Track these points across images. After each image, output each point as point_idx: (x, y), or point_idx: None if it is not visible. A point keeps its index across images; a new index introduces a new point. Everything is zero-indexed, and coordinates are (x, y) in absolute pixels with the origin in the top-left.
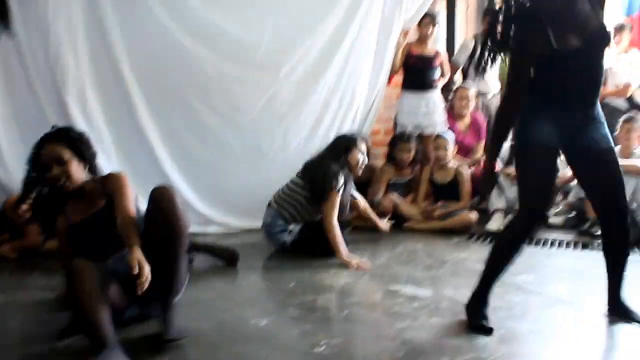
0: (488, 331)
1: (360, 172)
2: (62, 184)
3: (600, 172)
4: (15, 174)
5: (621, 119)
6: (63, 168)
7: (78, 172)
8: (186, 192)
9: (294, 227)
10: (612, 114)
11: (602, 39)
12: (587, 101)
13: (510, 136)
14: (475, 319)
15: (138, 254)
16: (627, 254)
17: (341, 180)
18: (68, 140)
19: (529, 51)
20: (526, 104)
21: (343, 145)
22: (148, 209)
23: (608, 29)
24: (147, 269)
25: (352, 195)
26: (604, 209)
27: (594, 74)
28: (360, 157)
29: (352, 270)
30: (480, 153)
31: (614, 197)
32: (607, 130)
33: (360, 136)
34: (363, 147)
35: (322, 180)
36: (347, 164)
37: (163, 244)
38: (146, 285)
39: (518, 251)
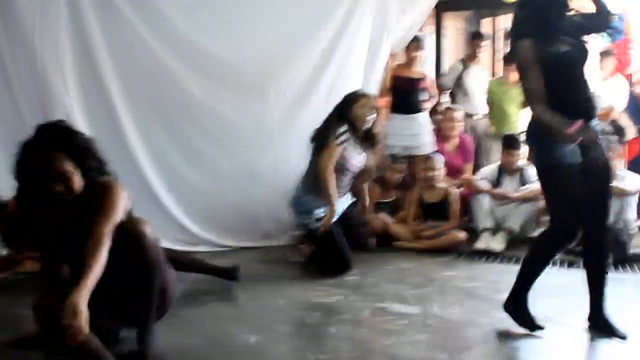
0: (539, 327)
1: (366, 125)
2: (62, 197)
3: (599, 186)
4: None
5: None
6: (66, 183)
7: (79, 183)
8: (176, 212)
9: (316, 210)
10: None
11: (584, 52)
12: (592, 111)
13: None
14: (522, 319)
15: (77, 299)
16: (607, 268)
17: (341, 135)
18: (71, 148)
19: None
20: (542, 125)
21: (344, 100)
22: (120, 240)
23: (588, 47)
24: (81, 318)
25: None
26: (592, 222)
27: (585, 81)
28: (362, 110)
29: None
30: (468, 173)
31: (604, 212)
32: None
33: (362, 91)
34: (365, 100)
35: (319, 134)
36: (349, 118)
37: (136, 278)
38: (79, 336)
39: (548, 263)
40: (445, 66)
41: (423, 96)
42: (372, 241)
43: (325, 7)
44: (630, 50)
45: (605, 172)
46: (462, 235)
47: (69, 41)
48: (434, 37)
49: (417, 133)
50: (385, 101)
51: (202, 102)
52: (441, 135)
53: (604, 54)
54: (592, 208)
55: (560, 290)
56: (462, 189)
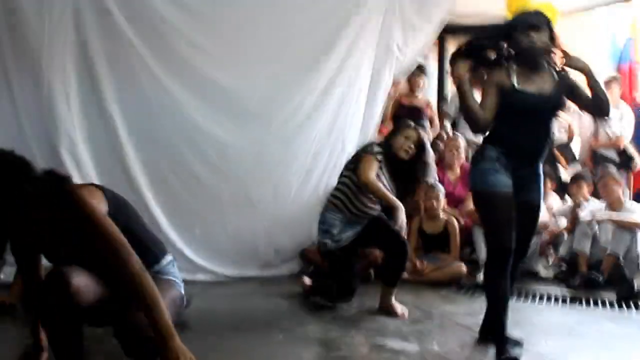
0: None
1: (403, 154)
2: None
3: (527, 224)
4: None
5: (602, 174)
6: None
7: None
8: (175, 240)
9: (338, 234)
10: (603, 163)
11: (557, 100)
12: (536, 158)
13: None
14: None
15: (180, 347)
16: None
17: (379, 152)
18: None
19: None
20: (482, 154)
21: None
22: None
23: (563, 99)
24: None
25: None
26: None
27: (544, 132)
28: (403, 140)
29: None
30: (470, 204)
31: (524, 250)
32: (542, 186)
33: (407, 124)
34: (408, 132)
35: (359, 150)
36: (389, 145)
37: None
38: None
39: (504, 289)
40: (448, 91)
41: (426, 124)
42: (370, 273)
43: (329, 37)
44: (637, 76)
45: (533, 211)
46: (463, 268)
47: (75, 66)
48: (437, 64)
49: None
50: (387, 129)
51: (205, 130)
52: (443, 164)
53: (609, 81)
54: (520, 243)
55: (562, 329)
56: (463, 220)
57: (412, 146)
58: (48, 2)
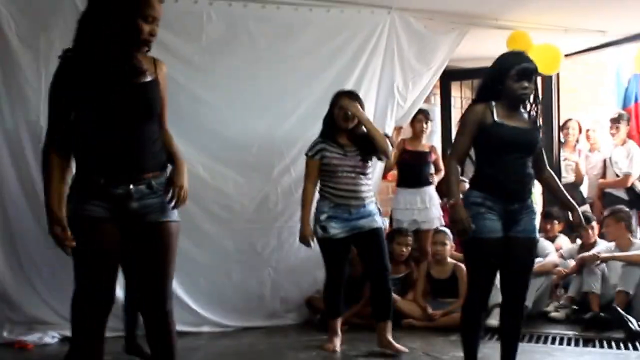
0: None
1: (347, 124)
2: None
3: (521, 259)
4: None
5: (604, 214)
6: (155, 29)
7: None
8: (180, 292)
9: (325, 220)
10: (614, 203)
11: (534, 135)
12: (523, 193)
13: None
14: None
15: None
16: (517, 340)
17: (314, 147)
18: None
19: (471, 120)
20: (466, 200)
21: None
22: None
23: (539, 136)
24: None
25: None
26: (510, 293)
27: (525, 166)
28: (337, 110)
29: None
30: None
31: (522, 286)
32: (535, 221)
33: (340, 92)
34: (339, 100)
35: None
36: (329, 123)
37: None
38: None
39: (477, 334)
40: (454, 137)
41: (431, 169)
42: None
43: (329, 84)
44: None
45: (526, 249)
46: None
47: None
48: (440, 107)
49: (425, 207)
50: (392, 175)
51: (207, 182)
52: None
53: (616, 119)
54: (510, 281)
55: None
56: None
57: (349, 113)
58: (44, 56)
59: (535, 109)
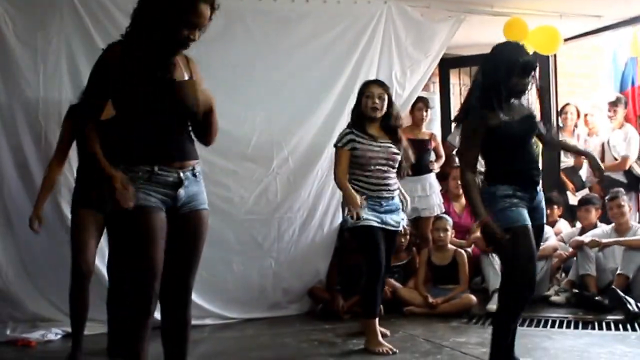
0: None
1: (374, 113)
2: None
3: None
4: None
5: (606, 198)
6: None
7: None
8: None
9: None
10: (613, 186)
11: (533, 122)
12: (537, 180)
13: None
14: None
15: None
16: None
17: (344, 137)
18: None
19: (477, 129)
20: (494, 195)
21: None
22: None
23: (537, 120)
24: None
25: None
26: None
27: (533, 153)
28: (365, 100)
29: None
30: (477, 233)
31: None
32: (544, 207)
33: (368, 81)
34: (367, 89)
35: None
36: (360, 114)
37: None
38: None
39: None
40: (453, 124)
41: (431, 157)
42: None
43: (327, 74)
44: None
45: (540, 232)
46: (473, 298)
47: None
48: (439, 95)
49: (426, 194)
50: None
51: (206, 175)
52: (449, 195)
53: (614, 102)
54: None
55: (573, 354)
56: (471, 249)
57: (377, 101)
58: (42, 54)
59: (543, 99)
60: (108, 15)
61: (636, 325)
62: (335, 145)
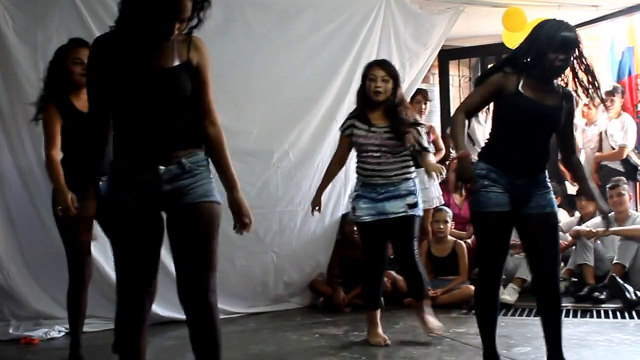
0: None
1: (377, 97)
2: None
3: (540, 236)
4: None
5: (607, 187)
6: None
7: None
8: None
9: (355, 200)
10: (611, 175)
11: (556, 115)
12: (536, 167)
13: None
14: None
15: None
16: (560, 317)
17: (345, 123)
18: None
19: (493, 81)
20: (475, 169)
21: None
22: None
23: (562, 116)
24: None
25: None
26: (539, 271)
27: (541, 146)
28: (368, 83)
29: None
30: None
31: (551, 261)
32: (552, 196)
33: (371, 62)
34: (370, 71)
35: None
36: (363, 97)
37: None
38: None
39: (492, 311)
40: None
41: (430, 148)
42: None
43: (326, 67)
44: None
45: (544, 222)
46: (472, 289)
47: None
48: (438, 87)
49: (425, 187)
50: None
51: None
52: (448, 187)
53: (611, 91)
54: (536, 260)
55: (571, 342)
56: (471, 240)
57: (380, 84)
58: (41, 51)
59: (590, 85)
60: (108, 12)
61: (634, 313)
62: (340, 130)
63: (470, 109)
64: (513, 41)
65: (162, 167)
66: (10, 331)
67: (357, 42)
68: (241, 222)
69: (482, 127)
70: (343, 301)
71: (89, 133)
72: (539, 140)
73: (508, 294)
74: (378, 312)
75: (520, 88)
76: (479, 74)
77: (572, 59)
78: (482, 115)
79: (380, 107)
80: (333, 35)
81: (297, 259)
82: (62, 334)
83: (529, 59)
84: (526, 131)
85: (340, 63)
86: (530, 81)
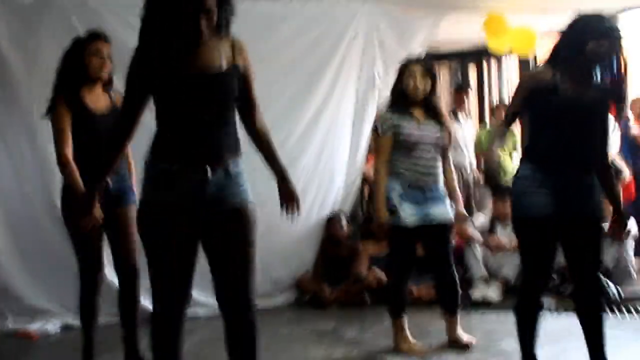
0: None
1: (418, 94)
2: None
3: (586, 240)
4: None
5: None
6: (210, 20)
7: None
8: None
9: (397, 203)
10: None
11: (605, 94)
12: (579, 167)
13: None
14: None
15: None
16: (601, 319)
17: (385, 122)
18: None
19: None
20: (517, 174)
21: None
22: None
23: (606, 105)
24: None
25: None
26: (581, 277)
27: (591, 134)
28: (407, 80)
29: None
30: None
31: (593, 266)
32: (600, 198)
33: (410, 60)
34: (409, 69)
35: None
36: (401, 94)
37: None
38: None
39: (535, 318)
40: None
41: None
42: (366, 297)
43: (313, 71)
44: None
45: (598, 225)
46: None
47: None
48: None
49: None
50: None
51: None
52: None
53: None
54: (578, 257)
55: (554, 336)
56: (455, 240)
57: (420, 80)
58: (34, 56)
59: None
60: (98, 18)
61: (615, 308)
62: (373, 131)
63: (507, 120)
64: (497, 45)
65: (210, 171)
66: (8, 325)
67: (339, 49)
68: (293, 207)
69: (462, 129)
70: (329, 298)
71: (111, 130)
72: (585, 132)
73: (493, 292)
74: (406, 319)
75: (557, 82)
76: (459, 78)
77: (614, 49)
78: (460, 114)
79: (419, 104)
80: (315, 42)
81: (284, 256)
82: (58, 328)
83: (569, 52)
84: (570, 126)
85: (323, 69)
86: (569, 74)
